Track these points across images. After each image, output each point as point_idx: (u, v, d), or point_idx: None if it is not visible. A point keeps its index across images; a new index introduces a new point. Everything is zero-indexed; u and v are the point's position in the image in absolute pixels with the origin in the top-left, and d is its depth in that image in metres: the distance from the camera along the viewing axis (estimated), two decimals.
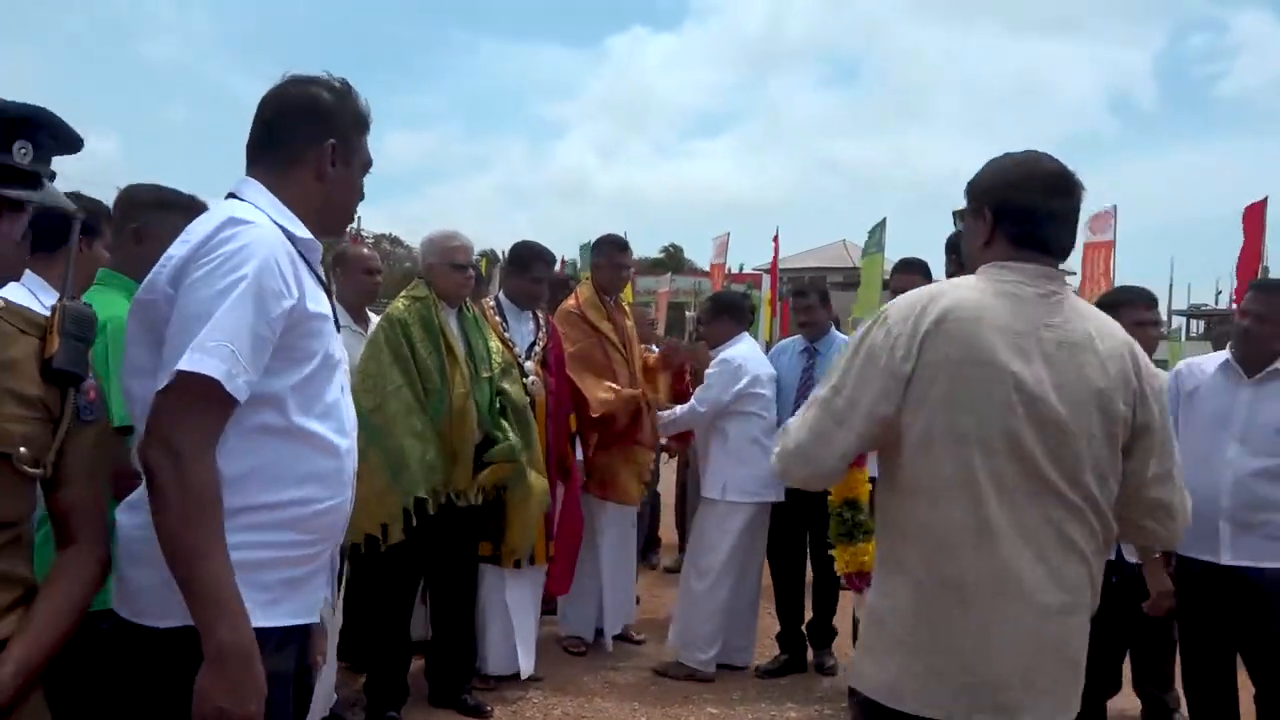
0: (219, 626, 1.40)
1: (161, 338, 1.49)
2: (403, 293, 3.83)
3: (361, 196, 1.79)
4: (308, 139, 1.67)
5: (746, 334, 4.75)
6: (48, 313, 1.49)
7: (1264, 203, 7.71)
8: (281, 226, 1.61)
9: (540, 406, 4.15)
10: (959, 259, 3.31)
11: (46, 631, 1.40)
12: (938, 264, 4.57)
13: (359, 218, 29.39)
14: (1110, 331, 1.85)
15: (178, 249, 1.54)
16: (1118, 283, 10.05)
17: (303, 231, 1.65)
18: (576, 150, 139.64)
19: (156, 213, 2.28)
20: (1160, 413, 1.83)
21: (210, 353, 1.42)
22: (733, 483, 4.43)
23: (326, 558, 1.68)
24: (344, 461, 1.64)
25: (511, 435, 3.77)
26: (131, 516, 1.54)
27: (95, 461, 1.50)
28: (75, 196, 2.58)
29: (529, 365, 4.15)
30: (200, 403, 1.43)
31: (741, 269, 23.79)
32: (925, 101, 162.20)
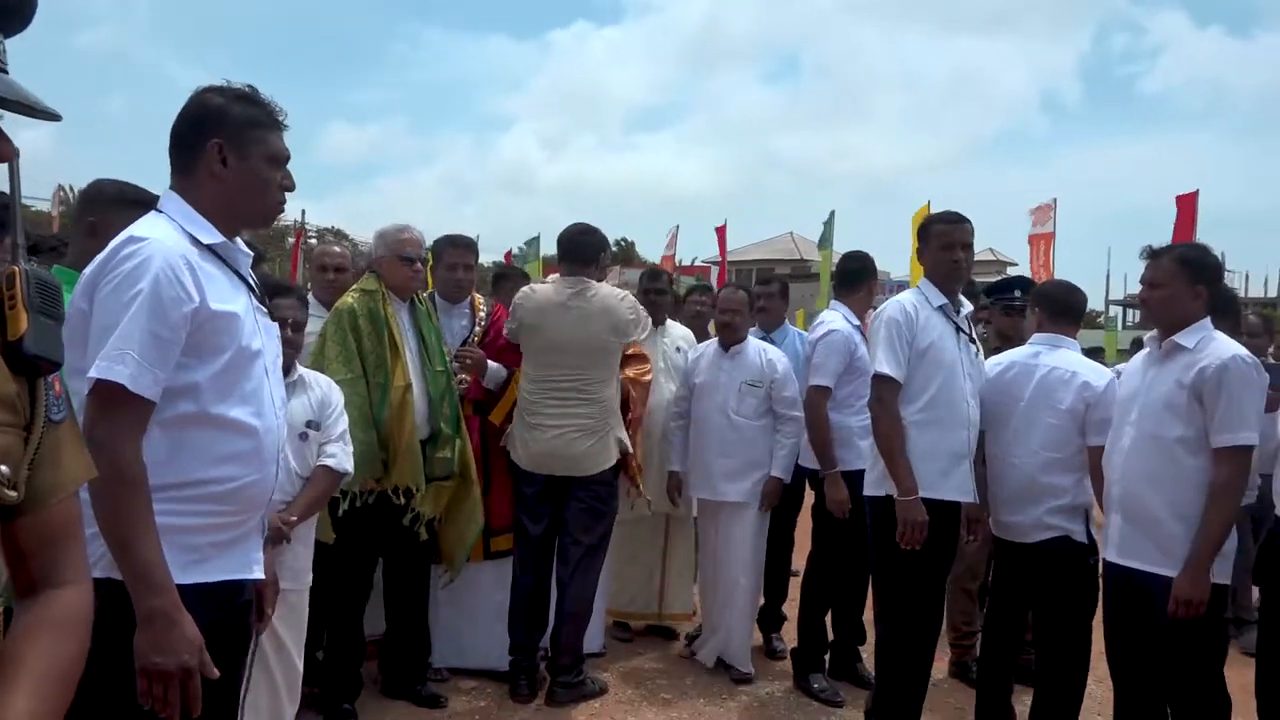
0: (147, 595, 1.63)
1: (85, 345, 1.70)
2: (353, 286, 3.81)
3: (284, 187, 1.91)
4: (197, 142, 1.84)
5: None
6: None
7: (1195, 194, 7.97)
8: (192, 235, 1.80)
9: (469, 404, 4.07)
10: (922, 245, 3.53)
11: None
12: (886, 255, 4.69)
13: (303, 211, 28.93)
14: (608, 304, 3.94)
15: (89, 268, 1.76)
16: (1057, 273, 10.34)
17: (213, 237, 1.82)
18: (522, 144, 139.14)
19: (116, 208, 2.24)
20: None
21: (115, 360, 1.65)
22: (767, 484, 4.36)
23: (255, 523, 1.91)
24: (262, 441, 1.84)
25: (451, 445, 3.75)
26: None
27: (70, 472, 1.15)
28: None
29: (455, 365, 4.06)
30: (113, 403, 1.66)
31: (694, 261, 23.90)
32: (864, 97, 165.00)
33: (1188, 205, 7.95)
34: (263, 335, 1.89)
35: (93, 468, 1.23)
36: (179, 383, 1.73)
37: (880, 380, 3.31)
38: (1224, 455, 2.78)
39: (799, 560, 4.68)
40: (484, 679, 4.15)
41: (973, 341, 3.44)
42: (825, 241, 10.72)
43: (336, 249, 4.62)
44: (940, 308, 3.36)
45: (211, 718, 1.86)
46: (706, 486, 4.42)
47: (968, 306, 3.51)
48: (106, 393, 1.65)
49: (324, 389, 3.16)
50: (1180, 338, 2.90)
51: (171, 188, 1.88)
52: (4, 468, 1.03)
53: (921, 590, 3.30)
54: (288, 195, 1.93)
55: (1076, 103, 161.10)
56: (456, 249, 4.15)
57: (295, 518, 2.94)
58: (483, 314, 4.23)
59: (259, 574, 1.94)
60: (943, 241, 3.38)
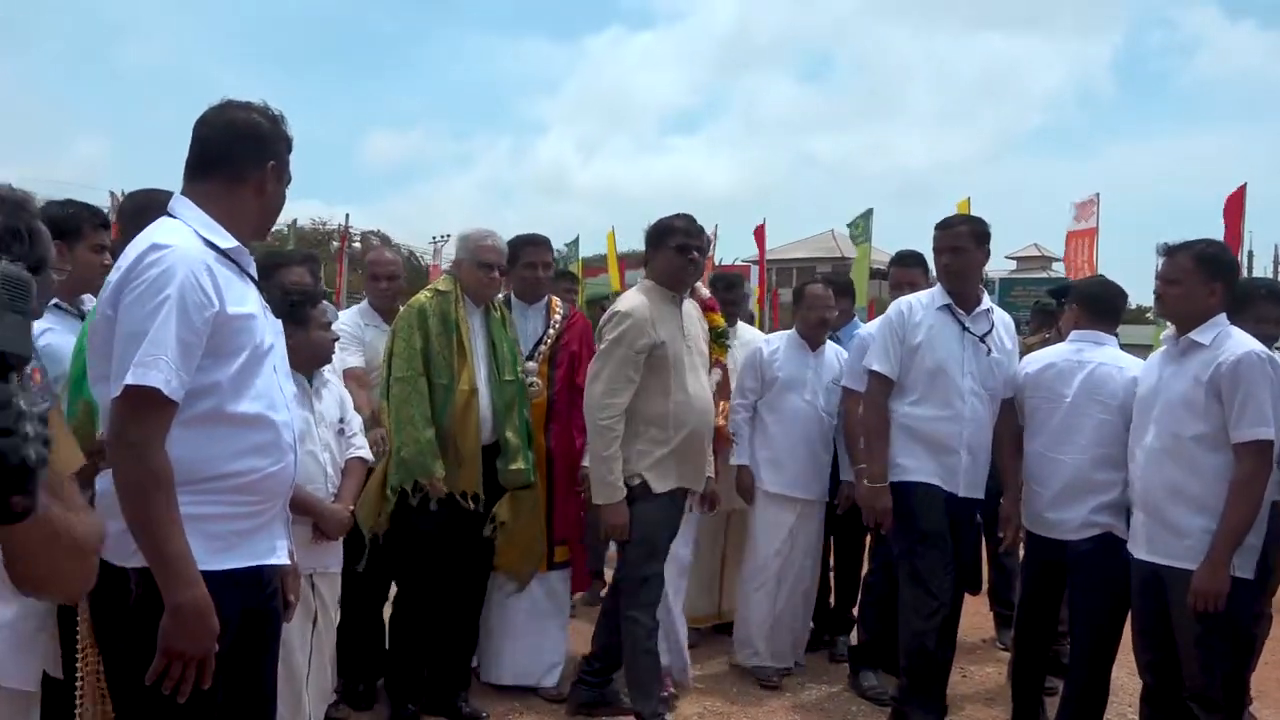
0: (178, 589, 1.71)
1: (110, 351, 1.76)
2: (429, 285, 3.82)
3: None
4: (251, 160, 1.93)
5: None
6: None
7: (1243, 189, 7.81)
8: (208, 240, 1.87)
9: (539, 407, 3.93)
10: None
11: None
12: (926, 251, 4.68)
13: (347, 215, 29.37)
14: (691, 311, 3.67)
15: (113, 275, 1.82)
16: (1101, 269, 10.17)
17: (229, 243, 1.90)
18: (558, 147, 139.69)
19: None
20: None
21: (149, 366, 1.71)
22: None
23: (277, 510, 1.99)
24: (280, 433, 1.93)
25: (524, 456, 3.67)
26: (100, 482, 1.85)
27: (64, 460, 1.14)
28: (66, 203, 2.64)
29: (529, 366, 3.94)
30: (146, 407, 1.72)
31: (734, 261, 23.87)
32: (897, 95, 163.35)
33: (1236, 201, 7.79)
34: (270, 332, 1.96)
35: (80, 456, 1.26)
36: (200, 383, 1.79)
37: (870, 374, 3.59)
38: (1244, 450, 2.79)
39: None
40: (533, 696, 3.98)
41: (982, 341, 3.51)
42: (859, 238, 10.62)
43: (389, 255, 4.60)
44: (944, 307, 3.53)
45: (248, 701, 1.97)
46: (793, 483, 4.28)
47: (984, 305, 3.60)
48: (140, 397, 1.70)
49: (340, 386, 3.27)
50: (1196, 334, 2.92)
51: (185, 192, 1.94)
52: None
53: (923, 572, 3.45)
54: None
55: (1115, 99, 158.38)
56: (534, 247, 4.02)
57: (352, 507, 3.10)
58: (558, 316, 4.08)
59: (283, 559, 2.01)
60: (935, 246, 3.62)
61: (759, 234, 13.15)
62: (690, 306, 3.70)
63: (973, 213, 7.78)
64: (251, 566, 1.91)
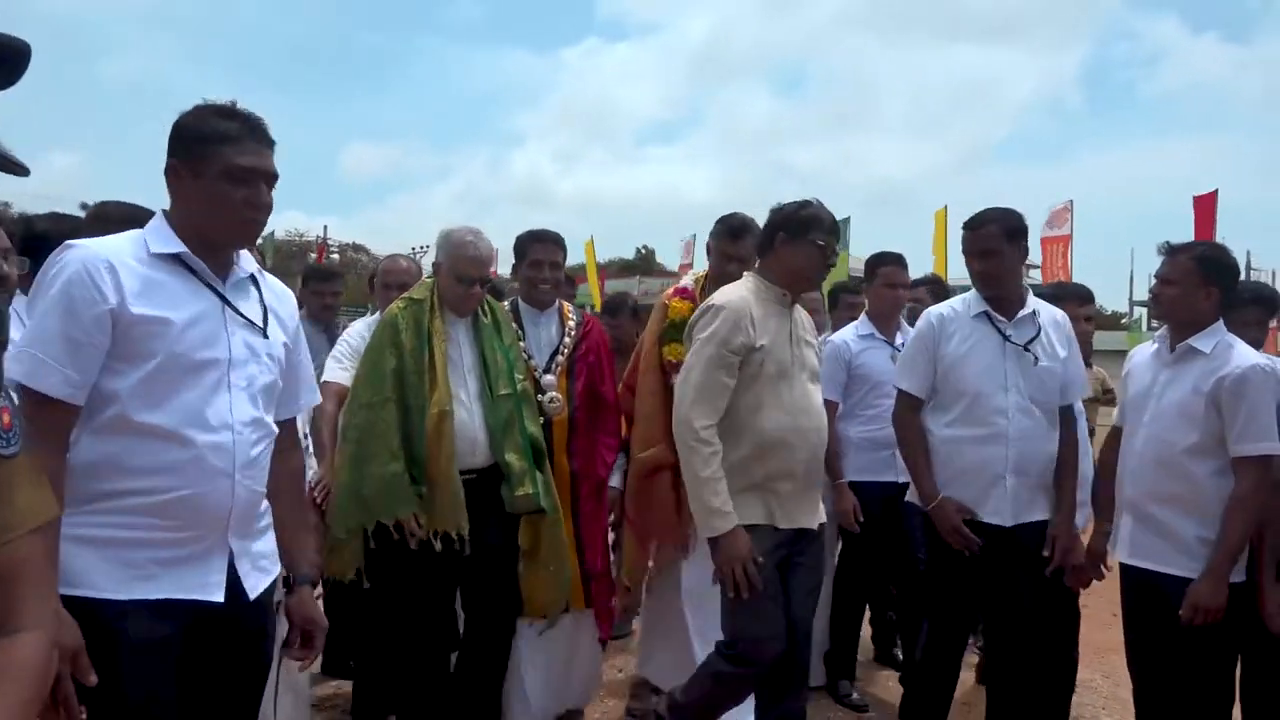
0: None
1: None
2: (404, 293, 3.34)
3: (249, 203, 1.82)
4: (174, 158, 1.84)
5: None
6: None
7: (1214, 194, 7.91)
8: (148, 244, 1.79)
9: (560, 426, 3.48)
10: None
11: None
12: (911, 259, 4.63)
13: (325, 227, 29.33)
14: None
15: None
16: (1076, 275, 10.29)
17: (168, 247, 1.80)
18: (536, 158, 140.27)
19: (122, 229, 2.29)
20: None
21: (16, 359, 1.62)
22: None
23: (213, 542, 1.82)
24: (202, 453, 1.76)
25: (531, 479, 3.21)
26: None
27: (24, 510, 1.06)
28: (56, 216, 2.60)
29: (547, 380, 3.49)
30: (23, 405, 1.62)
31: None
32: (871, 106, 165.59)
33: (1206, 205, 7.89)
34: (231, 346, 1.83)
35: (55, 506, 1.14)
36: (106, 388, 1.70)
37: (899, 394, 3.30)
38: (1246, 465, 2.74)
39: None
40: None
41: (1026, 349, 3.14)
42: (840, 245, 10.70)
43: (403, 263, 4.17)
44: (980, 315, 3.19)
45: None
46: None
47: (1028, 308, 3.21)
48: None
49: None
50: (1195, 341, 2.87)
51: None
52: None
53: (939, 608, 3.24)
54: (275, 210, 1.86)
55: (1086, 108, 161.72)
56: (542, 244, 3.56)
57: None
58: (572, 323, 3.64)
59: (216, 596, 1.81)
60: (964, 249, 3.25)
61: None
62: (803, 314, 3.12)
63: (949, 220, 7.87)
64: (172, 599, 1.75)
